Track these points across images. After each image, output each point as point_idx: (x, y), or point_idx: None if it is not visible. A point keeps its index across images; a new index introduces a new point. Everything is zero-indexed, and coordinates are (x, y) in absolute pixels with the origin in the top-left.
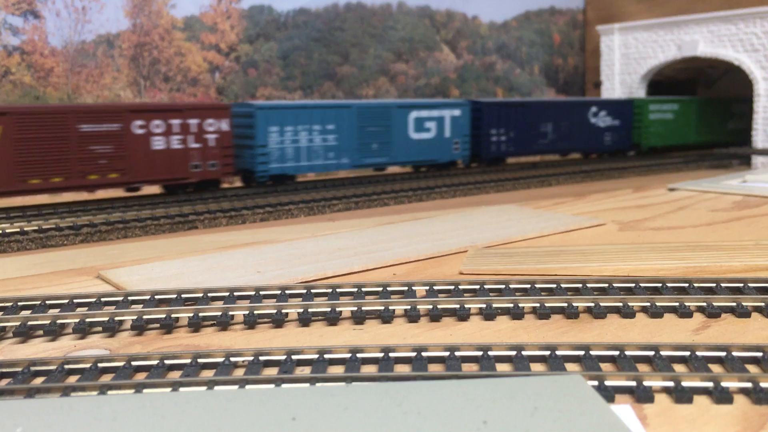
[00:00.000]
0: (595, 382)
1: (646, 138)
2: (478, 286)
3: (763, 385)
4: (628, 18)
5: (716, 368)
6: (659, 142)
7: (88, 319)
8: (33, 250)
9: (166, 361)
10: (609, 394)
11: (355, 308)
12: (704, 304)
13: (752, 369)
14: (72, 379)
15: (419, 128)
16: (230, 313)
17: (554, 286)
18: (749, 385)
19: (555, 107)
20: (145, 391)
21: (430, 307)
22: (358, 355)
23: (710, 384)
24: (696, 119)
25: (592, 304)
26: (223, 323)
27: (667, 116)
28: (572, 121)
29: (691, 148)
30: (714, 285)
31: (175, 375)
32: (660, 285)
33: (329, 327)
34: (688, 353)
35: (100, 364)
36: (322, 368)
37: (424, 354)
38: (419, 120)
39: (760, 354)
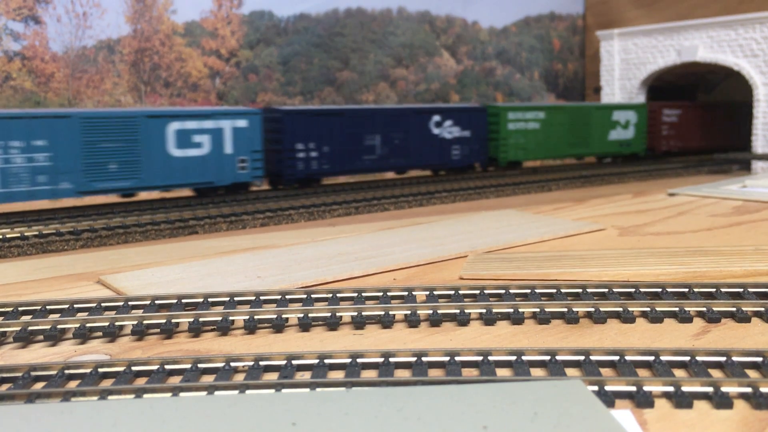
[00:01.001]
0: (595, 387)
1: (504, 151)
2: (478, 291)
3: (763, 390)
4: (627, 23)
5: (716, 373)
6: (522, 156)
7: (88, 324)
8: (33, 255)
9: (167, 366)
10: (609, 399)
11: (356, 313)
12: (704, 309)
13: (752, 374)
14: (72, 384)
15: (184, 143)
16: (230, 318)
17: (554, 291)
18: (749, 390)
19: (384, 116)
20: (145, 396)
21: (430, 312)
22: (359, 360)
23: (710, 389)
24: (568, 129)
25: (592, 309)
26: (224, 328)
27: (532, 126)
28: (408, 132)
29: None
30: (714, 290)
31: (175, 380)
32: (660, 290)
33: (329, 332)
34: (688, 358)
35: (100, 369)
36: (323, 373)
37: (424, 359)
38: (183, 133)
39: (760, 359)
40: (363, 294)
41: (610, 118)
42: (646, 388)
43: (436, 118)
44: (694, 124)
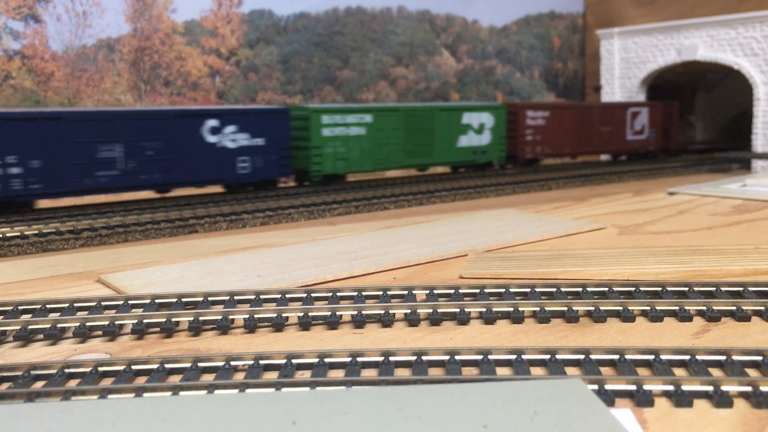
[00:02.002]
0: (595, 386)
1: (318, 163)
2: (478, 290)
3: (762, 389)
4: (627, 22)
5: (716, 372)
6: (342, 169)
7: (88, 323)
8: (33, 254)
9: (167, 365)
10: (609, 398)
11: (356, 312)
12: (704, 308)
13: (752, 373)
14: (72, 383)
15: None
16: (230, 317)
17: (554, 290)
18: (749, 389)
19: (127, 120)
20: (145, 395)
21: (430, 311)
22: (359, 359)
23: (710, 388)
24: (404, 135)
25: (592, 308)
26: (224, 327)
27: (355, 131)
28: (170, 141)
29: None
30: (714, 289)
31: (175, 379)
32: (660, 289)
33: (329, 331)
34: (688, 357)
35: (100, 368)
36: (323, 372)
37: (424, 358)
38: None
39: (760, 358)
40: (363, 293)
41: (459, 122)
42: (646, 387)
43: (212, 122)
44: (566, 128)
